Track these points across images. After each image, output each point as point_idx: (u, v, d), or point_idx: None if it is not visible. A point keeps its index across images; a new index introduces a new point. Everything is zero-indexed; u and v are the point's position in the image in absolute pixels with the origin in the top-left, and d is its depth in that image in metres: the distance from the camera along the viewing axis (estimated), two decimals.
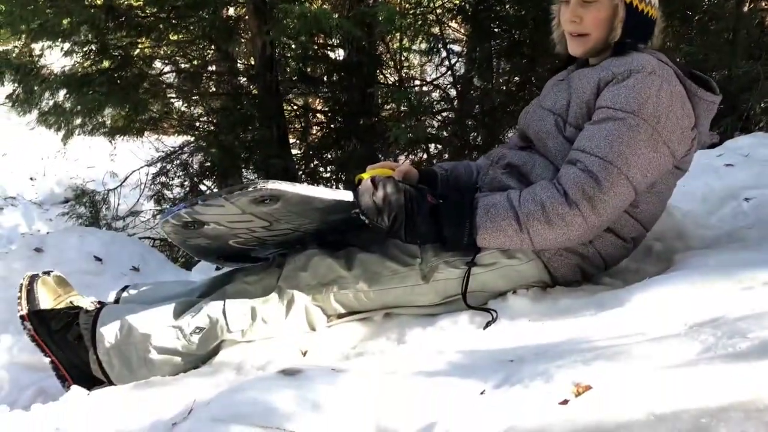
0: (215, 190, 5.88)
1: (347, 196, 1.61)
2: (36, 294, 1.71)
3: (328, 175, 5.70)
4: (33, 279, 1.74)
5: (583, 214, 1.52)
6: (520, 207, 1.55)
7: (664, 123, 1.55)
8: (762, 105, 3.56)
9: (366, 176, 1.78)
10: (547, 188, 1.55)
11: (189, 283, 1.94)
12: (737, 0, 3.95)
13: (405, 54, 6.00)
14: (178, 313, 1.65)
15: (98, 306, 1.77)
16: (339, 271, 1.65)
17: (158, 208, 5.34)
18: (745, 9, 3.89)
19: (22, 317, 1.68)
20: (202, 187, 5.41)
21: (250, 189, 1.46)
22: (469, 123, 4.91)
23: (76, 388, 1.58)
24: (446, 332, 1.57)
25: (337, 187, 5.76)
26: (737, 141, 2.96)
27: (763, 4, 4.09)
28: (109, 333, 1.63)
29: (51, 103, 5.14)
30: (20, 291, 1.71)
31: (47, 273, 1.78)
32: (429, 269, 1.63)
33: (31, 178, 8.10)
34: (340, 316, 1.70)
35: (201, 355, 1.64)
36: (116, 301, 1.86)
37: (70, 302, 1.77)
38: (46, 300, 1.72)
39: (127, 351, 1.62)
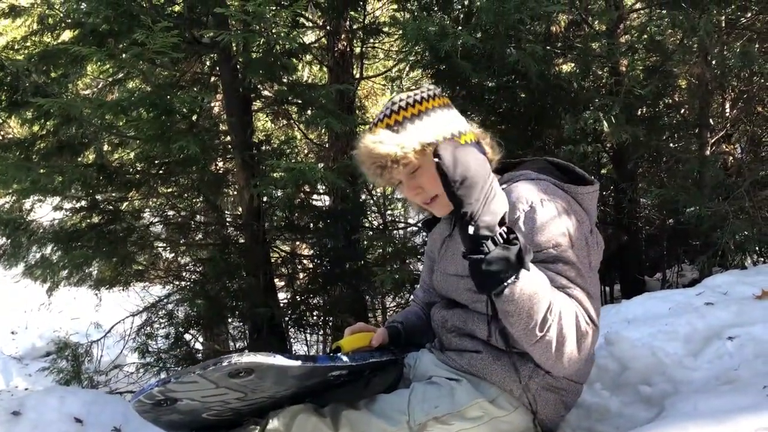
0: (201, 340, 5.80)
1: (323, 362, 1.61)
2: None
3: (315, 320, 5.67)
4: None
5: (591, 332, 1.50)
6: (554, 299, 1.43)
7: (574, 241, 1.54)
8: (736, 240, 3.67)
9: (344, 345, 1.81)
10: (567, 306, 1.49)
11: None
12: (700, 144, 4.20)
13: (388, 199, 6.20)
14: None
15: None
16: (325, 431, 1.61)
17: (142, 360, 5.23)
18: (708, 152, 4.12)
19: None
20: (187, 337, 5.34)
21: (224, 363, 1.44)
22: None
23: None
24: None
25: (324, 333, 5.72)
26: (715, 279, 3.02)
27: (724, 147, 4.35)
28: None
29: (38, 256, 5.18)
30: None
31: None
32: (418, 427, 1.61)
33: (12, 332, 7.95)
34: None
35: None
36: None
37: None
38: None
39: None
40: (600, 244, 1.70)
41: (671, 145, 4.62)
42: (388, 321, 2.03)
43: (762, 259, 3.86)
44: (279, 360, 1.51)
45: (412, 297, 2.08)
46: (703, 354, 2.13)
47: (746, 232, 3.57)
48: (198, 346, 5.65)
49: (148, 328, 5.31)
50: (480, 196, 1.34)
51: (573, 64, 4.85)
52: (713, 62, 4.05)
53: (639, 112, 4.48)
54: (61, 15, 4.86)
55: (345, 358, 1.69)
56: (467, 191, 1.34)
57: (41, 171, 4.26)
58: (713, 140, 4.26)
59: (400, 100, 1.68)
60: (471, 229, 1.34)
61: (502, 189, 1.62)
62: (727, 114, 4.53)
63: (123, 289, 5.43)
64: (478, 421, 1.62)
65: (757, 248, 3.77)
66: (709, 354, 2.11)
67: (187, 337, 5.32)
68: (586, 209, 1.66)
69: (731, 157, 4.41)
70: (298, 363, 1.54)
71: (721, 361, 2.05)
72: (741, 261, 3.62)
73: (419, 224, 5.74)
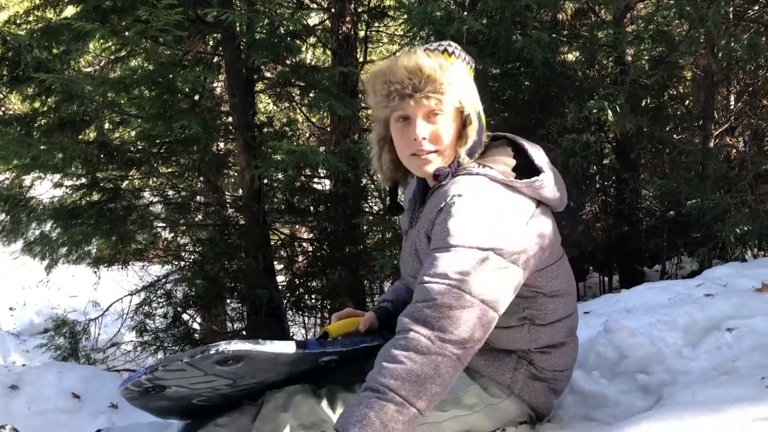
0: (198, 320, 5.81)
1: (314, 347, 1.59)
2: None
3: (314, 303, 5.68)
4: None
5: (419, 332, 1.37)
6: (369, 381, 1.38)
7: (487, 237, 1.46)
8: (736, 233, 3.66)
9: (331, 330, 1.80)
10: (385, 348, 1.43)
11: (163, 427, 1.86)
12: (703, 136, 4.18)
13: None
14: None
15: None
16: (322, 413, 1.59)
17: (140, 339, 5.24)
18: (711, 144, 4.10)
19: None
20: (185, 317, 5.35)
21: (212, 352, 1.43)
22: None
23: None
24: None
25: (323, 316, 5.73)
26: (715, 271, 3.02)
27: (728, 140, 4.33)
28: None
29: (37, 233, 5.17)
30: None
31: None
32: None
33: (11, 308, 7.96)
34: None
35: None
36: None
37: None
38: None
39: None
40: (555, 233, 1.64)
41: (675, 136, 4.60)
42: (378, 300, 2.01)
43: (762, 253, 3.85)
44: (267, 347, 1.49)
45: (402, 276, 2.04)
46: (702, 345, 2.12)
47: (748, 226, 3.56)
48: (196, 326, 5.66)
49: (146, 308, 5.31)
50: None
51: (578, 53, 4.82)
52: (720, 54, 4.02)
53: (644, 103, 4.46)
54: None
55: (336, 344, 1.67)
56: None
57: (42, 147, 4.25)
58: (717, 132, 4.25)
59: (456, 48, 1.62)
60: None
61: (444, 186, 1.57)
62: (732, 106, 4.51)
63: (122, 268, 5.43)
64: (473, 408, 1.63)
65: (757, 241, 3.76)
66: (708, 345, 2.11)
67: (185, 317, 5.33)
68: (538, 198, 1.59)
69: (734, 150, 4.39)
70: (288, 350, 1.53)
71: (719, 352, 2.04)
72: (741, 254, 3.62)
73: None
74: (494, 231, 1.48)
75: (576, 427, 1.72)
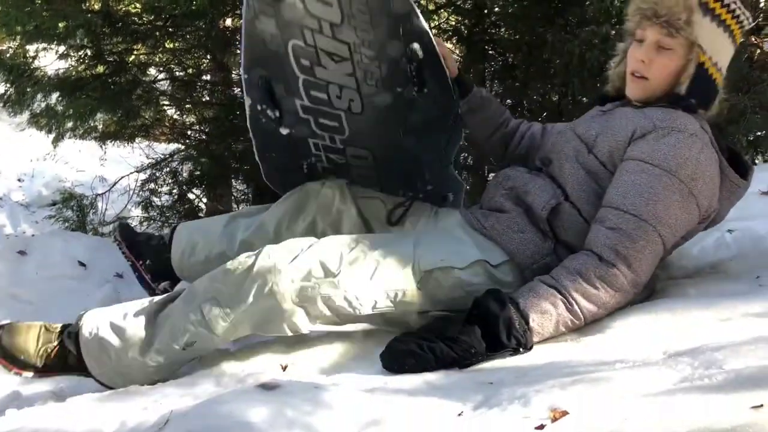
0: (204, 200, 5.86)
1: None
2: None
3: None
4: None
5: (621, 271, 1.50)
6: (558, 282, 1.51)
7: (699, 187, 1.56)
8: (748, 138, 3.60)
9: None
10: (577, 257, 1.55)
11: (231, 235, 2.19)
12: None
13: None
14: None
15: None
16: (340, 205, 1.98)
17: (145, 215, 5.31)
18: None
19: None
20: (191, 196, 5.39)
21: None
22: (460, 144, 4.94)
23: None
24: None
25: None
26: None
27: (753, 39, 4.16)
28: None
29: (43, 105, 5.12)
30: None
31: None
32: (423, 274, 1.63)
33: (19, 180, 8.04)
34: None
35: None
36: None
37: None
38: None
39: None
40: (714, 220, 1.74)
41: None
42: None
43: None
44: None
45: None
46: (701, 244, 2.13)
47: (764, 131, 3.49)
48: (202, 206, 5.72)
49: (152, 185, 5.35)
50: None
51: None
52: None
53: None
54: None
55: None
56: None
57: (44, 14, 4.11)
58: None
59: (733, 3, 1.63)
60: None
61: (672, 110, 1.63)
62: (762, 4, 4.30)
63: (128, 143, 5.42)
64: (479, 280, 1.64)
65: None
66: (707, 244, 2.12)
67: (191, 196, 5.37)
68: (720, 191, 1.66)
69: (758, 50, 4.23)
70: None
71: (717, 252, 2.06)
72: (752, 158, 3.57)
73: None
74: (706, 185, 1.59)
75: None
